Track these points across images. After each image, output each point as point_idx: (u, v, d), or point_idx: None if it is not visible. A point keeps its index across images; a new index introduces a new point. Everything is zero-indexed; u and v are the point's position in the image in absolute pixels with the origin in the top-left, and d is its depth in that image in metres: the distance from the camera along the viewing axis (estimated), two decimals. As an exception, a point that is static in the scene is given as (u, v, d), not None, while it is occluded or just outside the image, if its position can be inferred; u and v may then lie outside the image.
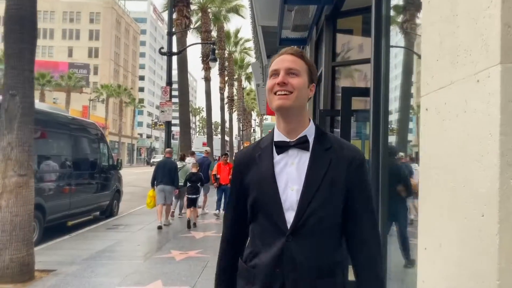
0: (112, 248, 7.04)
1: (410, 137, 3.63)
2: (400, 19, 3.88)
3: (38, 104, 9.95)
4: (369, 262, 1.50)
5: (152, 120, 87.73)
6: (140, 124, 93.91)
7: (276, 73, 1.48)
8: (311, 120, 1.56)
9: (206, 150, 13.66)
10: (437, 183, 1.83)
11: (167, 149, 10.50)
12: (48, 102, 46.77)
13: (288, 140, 1.50)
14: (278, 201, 1.44)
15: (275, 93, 1.47)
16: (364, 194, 1.51)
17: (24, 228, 5.08)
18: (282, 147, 1.49)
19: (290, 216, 1.43)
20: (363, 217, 1.50)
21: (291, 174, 1.46)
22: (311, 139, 1.50)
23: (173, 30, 14.26)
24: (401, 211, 3.44)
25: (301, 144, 1.48)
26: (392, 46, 3.68)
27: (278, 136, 1.52)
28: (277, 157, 1.49)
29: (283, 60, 1.49)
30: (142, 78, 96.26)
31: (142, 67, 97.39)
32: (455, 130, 1.68)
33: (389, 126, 3.53)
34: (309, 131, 1.52)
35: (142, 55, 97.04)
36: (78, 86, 59.21)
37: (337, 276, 1.46)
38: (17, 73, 5.12)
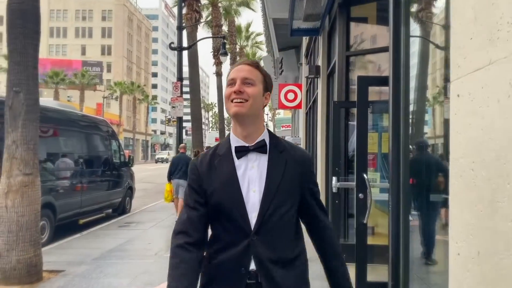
0: (123, 246, 6.91)
1: (425, 129, 3.42)
2: (414, 8, 3.62)
3: (48, 102, 9.91)
4: (332, 246, 1.71)
5: (165, 117, 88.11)
6: (154, 120, 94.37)
7: (233, 82, 1.58)
8: (265, 126, 1.68)
9: None
10: (472, 181, 1.59)
11: (181, 145, 10.50)
12: (62, 100, 47.23)
13: (247, 144, 1.60)
14: (242, 204, 1.54)
15: (231, 101, 1.57)
16: (316, 188, 1.70)
17: (31, 229, 4.96)
18: (242, 152, 1.59)
19: (252, 216, 1.54)
20: (319, 208, 1.68)
21: (252, 177, 1.57)
22: (267, 143, 1.62)
23: (183, 24, 14.07)
24: (425, 206, 3.21)
25: (260, 148, 1.60)
26: (412, 36, 3.41)
27: (236, 142, 1.61)
28: (237, 162, 1.59)
29: (240, 70, 1.59)
30: (155, 75, 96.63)
31: (154, 64, 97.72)
32: (495, 118, 1.44)
33: (410, 117, 3.27)
34: (265, 136, 1.64)
35: (155, 52, 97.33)
36: (92, 83, 59.58)
37: (299, 267, 1.62)
38: (21, 69, 4.97)
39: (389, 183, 3.39)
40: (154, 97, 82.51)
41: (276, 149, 1.61)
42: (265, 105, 1.66)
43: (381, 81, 3.98)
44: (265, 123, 1.70)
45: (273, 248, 1.54)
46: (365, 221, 3.89)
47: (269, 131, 1.67)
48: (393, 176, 3.19)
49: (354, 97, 6.09)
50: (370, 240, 4.86)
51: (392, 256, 3.21)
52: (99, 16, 75.19)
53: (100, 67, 67.48)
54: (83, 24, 75.17)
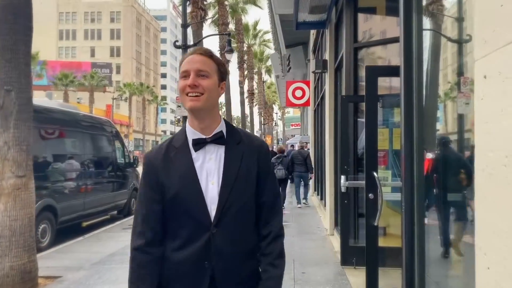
0: (125, 250, 6.67)
1: (441, 122, 3.14)
2: (424, 1, 3.33)
3: (49, 102, 9.75)
4: (273, 239, 1.61)
5: (175, 117, 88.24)
6: (163, 121, 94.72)
7: (186, 74, 1.52)
8: (221, 116, 1.65)
9: None
10: (506, 179, 1.30)
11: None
12: (71, 102, 47.51)
13: (204, 136, 1.56)
14: (201, 197, 1.51)
15: (186, 94, 1.52)
16: (270, 175, 1.66)
17: (25, 233, 4.74)
18: (200, 144, 1.55)
19: (212, 209, 1.51)
20: (268, 198, 1.62)
21: (210, 169, 1.54)
22: (224, 134, 1.59)
23: (188, 22, 13.85)
24: (449, 206, 2.93)
25: (217, 139, 1.56)
26: (425, 29, 3.12)
27: (193, 134, 1.57)
28: (194, 154, 1.55)
29: (193, 61, 1.52)
30: (164, 75, 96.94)
31: (163, 64, 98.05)
32: (536, 100, 1.15)
33: (424, 110, 2.97)
34: (222, 126, 1.60)
35: (163, 52, 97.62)
36: (101, 85, 59.80)
37: (254, 258, 1.60)
38: (12, 66, 4.75)
39: (401, 181, 3.11)
40: (163, 98, 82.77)
41: (233, 140, 1.59)
42: (220, 95, 1.63)
43: (392, 71, 3.67)
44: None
45: (233, 240, 1.53)
46: (375, 224, 3.59)
47: (225, 121, 1.65)
48: (406, 174, 2.90)
49: (363, 93, 5.79)
50: (382, 242, 4.57)
51: (406, 259, 2.93)
52: (107, 18, 75.57)
53: (109, 68, 67.73)
54: (92, 26, 75.61)
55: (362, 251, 5.07)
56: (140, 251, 1.54)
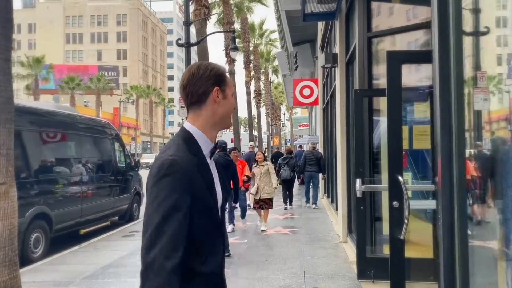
0: (121, 261, 6.19)
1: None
2: None
3: (43, 104, 9.34)
4: None
5: (182, 119, 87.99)
6: (171, 123, 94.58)
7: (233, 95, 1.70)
8: None
9: (250, 145, 14.52)
10: None
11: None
12: (78, 105, 47.39)
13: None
14: (217, 200, 1.60)
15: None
16: None
17: (5, 247, 4.26)
18: (213, 153, 1.65)
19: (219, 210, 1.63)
20: None
21: (215, 175, 1.65)
22: None
23: (191, 21, 13.37)
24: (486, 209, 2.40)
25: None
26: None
27: (206, 142, 1.62)
28: (209, 161, 1.62)
29: None
30: (171, 77, 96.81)
31: (170, 66, 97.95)
32: None
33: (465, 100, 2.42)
34: None
35: (170, 54, 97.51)
36: (108, 88, 59.64)
37: None
38: (-10, 63, 4.30)
39: (435, 185, 2.58)
40: (171, 100, 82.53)
41: None
42: None
43: (420, 57, 3.12)
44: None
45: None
46: (401, 237, 3.05)
47: None
48: (443, 179, 2.37)
49: (376, 86, 5.25)
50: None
51: (445, 277, 2.42)
52: (114, 21, 75.57)
53: (116, 71, 67.67)
54: (98, 29, 75.64)
55: (381, 262, 4.53)
56: (176, 274, 1.37)
